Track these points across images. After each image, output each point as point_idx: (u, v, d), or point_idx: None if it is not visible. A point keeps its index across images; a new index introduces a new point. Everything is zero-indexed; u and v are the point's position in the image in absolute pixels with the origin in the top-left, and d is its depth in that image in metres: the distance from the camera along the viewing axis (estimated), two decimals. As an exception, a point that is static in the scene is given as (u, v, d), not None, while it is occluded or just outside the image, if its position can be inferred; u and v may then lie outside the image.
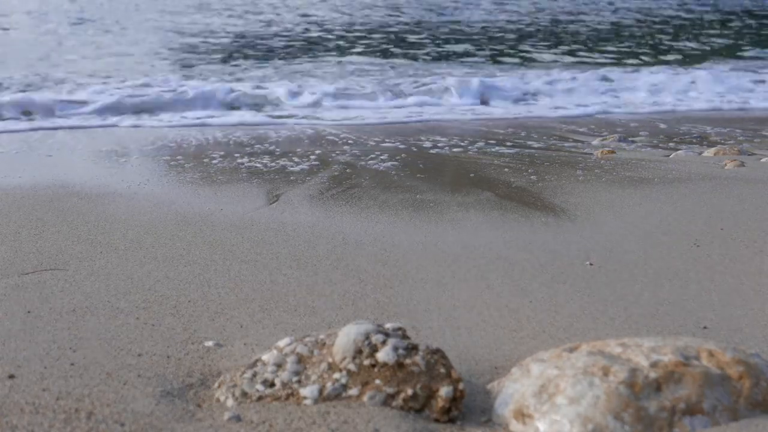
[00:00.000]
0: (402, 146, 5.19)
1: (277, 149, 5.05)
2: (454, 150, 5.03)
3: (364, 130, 6.01)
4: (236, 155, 4.80)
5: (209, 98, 7.16)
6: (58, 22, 13.48)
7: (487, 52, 11.16)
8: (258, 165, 4.46)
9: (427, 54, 10.88)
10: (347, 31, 13.19)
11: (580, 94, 7.84)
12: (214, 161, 4.59)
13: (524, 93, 7.79)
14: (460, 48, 11.55)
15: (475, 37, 12.95)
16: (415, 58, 10.35)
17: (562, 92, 7.92)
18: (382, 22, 14.70)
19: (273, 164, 4.48)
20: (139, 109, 6.67)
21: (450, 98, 7.46)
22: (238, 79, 8.39)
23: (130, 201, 3.50)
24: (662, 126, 6.42)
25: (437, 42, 12.28)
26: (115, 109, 6.64)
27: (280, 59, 9.86)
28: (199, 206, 3.42)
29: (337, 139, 5.51)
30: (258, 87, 7.74)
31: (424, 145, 5.23)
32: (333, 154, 4.83)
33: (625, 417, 1.37)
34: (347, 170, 4.31)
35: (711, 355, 1.50)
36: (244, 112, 6.76)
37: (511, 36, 13.19)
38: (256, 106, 7.00)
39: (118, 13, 14.66)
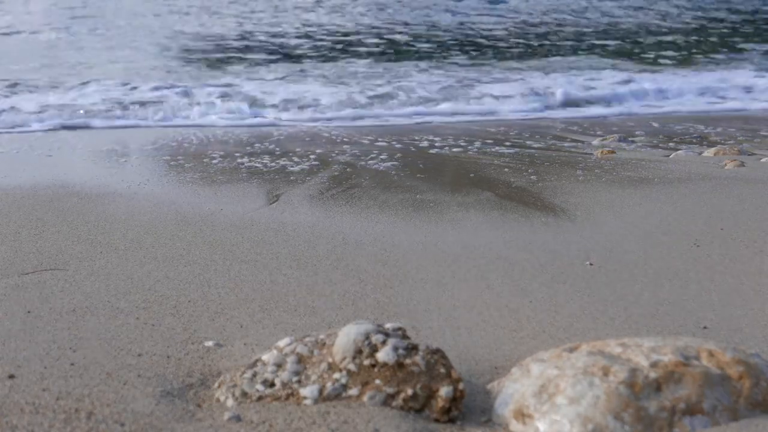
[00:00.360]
0: (402, 146, 5.20)
1: (277, 149, 5.05)
2: (454, 150, 5.04)
3: (365, 129, 6.01)
4: (236, 155, 4.80)
5: (213, 99, 7.17)
6: (59, 23, 13.48)
7: (491, 53, 11.16)
8: (258, 165, 4.46)
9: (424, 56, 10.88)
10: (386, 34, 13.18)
11: (582, 95, 7.84)
12: (214, 161, 4.59)
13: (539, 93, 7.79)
14: (466, 48, 11.56)
15: (479, 38, 12.96)
16: (420, 60, 10.34)
17: (567, 93, 7.91)
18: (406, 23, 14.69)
19: (273, 164, 4.48)
20: (138, 110, 6.66)
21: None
22: (250, 79, 8.39)
23: (130, 201, 3.50)
24: (662, 126, 6.42)
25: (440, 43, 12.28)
26: (114, 110, 6.64)
27: (314, 60, 9.80)
28: (199, 206, 3.42)
29: (337, 139, 5.51)
30: (267, 90, 7.73)
31: (423, 145, 5.23)
32: (333, 154, 4.83)
33: (625, 417, 1.37)
34: (347, 170, 4.31)
35: (711, 355, 1.50)
36: (250, 113, 6.75)
37: (512, 37, 13.20)
38: (266, 108, 6.99)
39: (119, 15, 14.66)
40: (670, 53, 11.46)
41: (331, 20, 14.85)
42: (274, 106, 7.02)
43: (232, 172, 4.24)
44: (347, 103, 7.09)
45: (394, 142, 5.34)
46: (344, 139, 5.51)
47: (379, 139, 5.49)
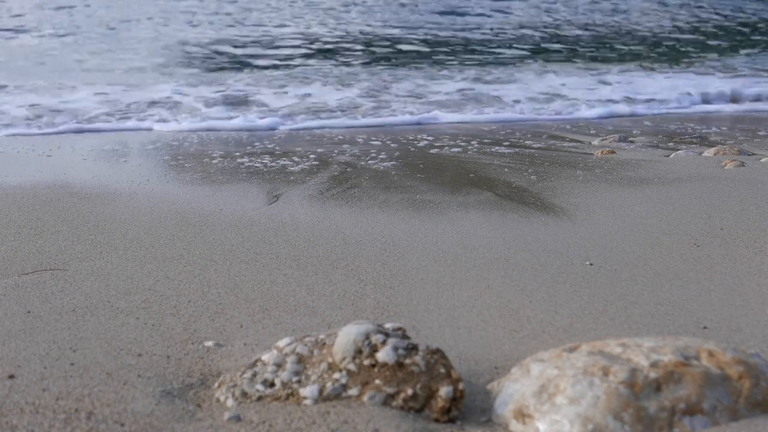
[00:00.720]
0: (402, 146, 5.20)
1: (277, 149, 5.05)
2: (454, 150, 5.03)
3: (365, 130, 6.01)
4: (236, 155, 4.80)
5: (213, 102, 7.17)
6: (59, 26, 13.48)
7: (489, 57, 11.16)
8: (258, 165, 4.46)
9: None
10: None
11: (580, 95, 7.84)
12: (214, 161, 4.59)
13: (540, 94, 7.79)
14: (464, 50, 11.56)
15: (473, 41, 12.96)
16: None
17: (566, 94, 7.92)
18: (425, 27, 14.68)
19: (273, 164, 4.48)
20: (139, 113, 6.67)
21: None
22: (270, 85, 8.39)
23: (130, 201, 3.50)
24: (662, 126, 6.42)
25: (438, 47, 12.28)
26: (114, 113, 6.65)
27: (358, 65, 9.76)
28: (199, 206, 3.42)
29: (336, 139, 5.51)
30: (268, 92, 7.72)
31: (423, 145, 5.23)
32: (333, 154, 4.83)
33: (625, 417, 1.37)
34: (347, 170, 4.31)
35: (711, 355, 1.50)
36: (251, 115, 6.74)
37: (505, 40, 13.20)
38: (268, 110, 6.98)
39: (119, 18, 14.66)
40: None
41: (334, 22, 14.86)
42: (276, 108, 7.01)
43: (232, 172, 4.24)
44: (349, 105, 7.09)
45: (394, 143, 5.34)
46: (344, 139, 5.51)
47: (379, 139, 5.49)
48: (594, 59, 10.72)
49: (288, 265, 2.59)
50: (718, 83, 8.59)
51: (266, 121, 6.34)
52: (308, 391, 1.50)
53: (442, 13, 16.41)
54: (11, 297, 2.23)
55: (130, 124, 6.10)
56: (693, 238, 2.89)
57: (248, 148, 5.13)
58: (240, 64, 9.77)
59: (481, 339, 1.98)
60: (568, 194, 3.65)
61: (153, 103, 6.91)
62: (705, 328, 2.06)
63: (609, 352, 1.53)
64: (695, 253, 2.73)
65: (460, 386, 1.49)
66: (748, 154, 4.88)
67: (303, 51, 11.11)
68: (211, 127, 6.13)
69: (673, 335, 1.77)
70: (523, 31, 14.02)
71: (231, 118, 6.44)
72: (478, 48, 11.70)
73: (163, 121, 6.25)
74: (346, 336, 1.55)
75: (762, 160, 4.60)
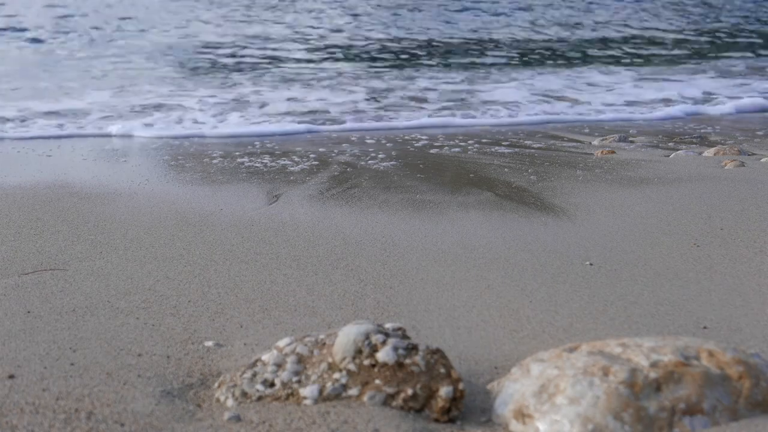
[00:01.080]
0: (402, 146, 5.20)
1: (277, 149, 5.05)
2: (454, 150, 5.04)
3: (365, 132, 6.01)
4: (236, 155, 4.80)
5: (214, 106, 7.17)
6: (60, 30, 13.48)
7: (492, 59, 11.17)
8: (258, 165, 4.46)
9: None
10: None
11: (577, 95, 7.85)
12: (214, 161, 4.59)
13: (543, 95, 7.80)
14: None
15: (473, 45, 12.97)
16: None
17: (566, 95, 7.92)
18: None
19: (273, 164, 4.48)
20: (139, 116, 6.66)
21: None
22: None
23: (130, 201, 3.50)
24: (662, 126, 6.42)
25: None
26: (115, 116, 6.65)
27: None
28: (199, 206, 3.42)
29: (336, 139, 5.51)
30: (268, 95, 7.72)
31: (423, 145, 5.23)
32: (333, 154, 4.83)
33: (625, 417, 1.37)
34: (347, 170, 4.31)
35: (711, 355, 1.50)
36: (251, 119, 6.74)
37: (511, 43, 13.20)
38: (267, 112, 6.98)
39: (119, 22, 14.66)
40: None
41: (335, 25, 14.86)
42: (276, 110, 7.01)
43: (232, 172, 4.24)
44: (351, 108, 7.09)
45: (393, 143, 5.35)
46: (344, 139, 5.51)
47: (379, 140, 5.49)
48: (595, 60, 10.73)
49: (288, 265, 2.59)
50: (717, 83, 8.59)
51: (268, 126, 6.33)
52: (308, 391, 1.50)
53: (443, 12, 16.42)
54: (11, 297, 2.23)
55: (128, 126, 6.08)
56: (693, 238, 2.89)
57: (248, 148, 5.13)
58: (241, 65, 9.77)
59: (481, 339, 1.98)
60: (568, 194, 3.65)
61: (153, 106, 6.90)
62: (705, 328, 2.06)
63: (609, 352, 1.53)
64: (695, 253, 2.73)
65: (460, 386, 1.49)
66: (748, 154, 4.88)
67: (304, 52, 11.11)
68: (209, 133, 6.10)
69: (673, 335, 1.77)
70: (525, 31, 14.03)
71: (231, 122, 6.42)
72: (479, 49, 11.71)
73: (150, 125, 6.21)
74: (346, 336, 1.55)
75: (762, 160, 4.60)
